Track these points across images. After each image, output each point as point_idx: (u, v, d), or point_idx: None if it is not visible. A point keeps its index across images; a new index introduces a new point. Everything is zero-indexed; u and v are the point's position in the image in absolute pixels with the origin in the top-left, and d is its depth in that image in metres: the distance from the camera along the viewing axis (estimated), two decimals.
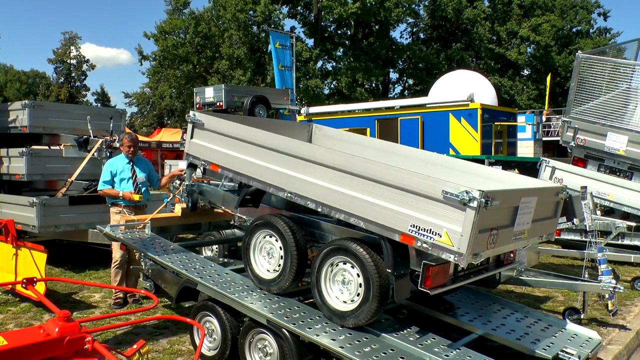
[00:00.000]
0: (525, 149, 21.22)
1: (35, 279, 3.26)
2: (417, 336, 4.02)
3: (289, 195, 4.31)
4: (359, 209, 3.83)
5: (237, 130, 4.80)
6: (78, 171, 7.94)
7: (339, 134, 6.30)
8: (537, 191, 4.08)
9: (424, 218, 3.49)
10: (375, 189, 3.74)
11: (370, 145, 5.87)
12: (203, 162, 5.13)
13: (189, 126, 5.18)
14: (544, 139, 23.57)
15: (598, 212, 8.94)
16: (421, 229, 3.50)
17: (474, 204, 3.24)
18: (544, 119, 25.35)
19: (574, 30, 42.40)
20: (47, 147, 8.86)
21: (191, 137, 5.19)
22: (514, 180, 4.80)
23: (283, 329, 3.96)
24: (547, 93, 28.94)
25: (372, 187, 3.75)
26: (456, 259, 3.36)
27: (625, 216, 8.76)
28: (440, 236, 3.42)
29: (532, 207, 3.91)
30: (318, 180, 4.08)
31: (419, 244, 3.52)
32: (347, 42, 38.42)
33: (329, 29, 37.72)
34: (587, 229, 6.15)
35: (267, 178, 4.51)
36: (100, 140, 8.08)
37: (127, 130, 10.74)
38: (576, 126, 9.79)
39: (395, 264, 3.76)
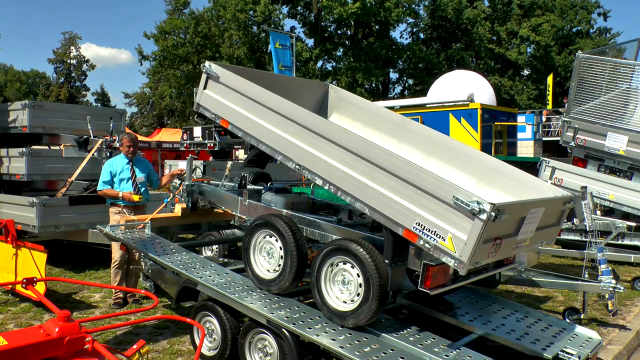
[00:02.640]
0: (525, 149, 21.21)
1: (35, 279, 3.26)
2: (417, 336, 4.01)
3: (297, 167, 4.24)
4: (366, 196, 3.78)
5: (252, 90, 4.63)
6: (78, 171, 7.94)
7: (355, 98, 5.94)
8: (546, 202, 4.01)
9: (430, 219, 3.46)
10: (386, 180, 3.67)
11: (386, 117, 5.57)
12: (213, 115, 4.98)
13: (203, 76, 5.02)
14: (544, 139, 23.56)
15: (598, 212, 8.95)
16: (426, 229, 3.48)
17: (483, 216, 3.19)
18: (544, 119, 25.36)
19: (574, 30, 42.40)
20: (47, 147, 8.86)
21: (204, 88, 5.03)
22: (524, 178, 4.62)
23: (283, 329, 3.95)
24: (550, 93, 28.90)
25: (383, 177, 3.69)
26: (456, 264, 3.34)
27: (625, 216, 8.76)
28: (444, 240, 3.39)
29: (539, 217, 3.87)
30: (329, 158, 4.01)
31: (421, 242, 3.51)
32: (347, 42, 38.40)
33: (329, 29, 37.70)
34: (587, 229, 6.16)
35: (277, 145, 4.41)
36: (100, 140, 8.09)
37: (127, 130, 10.74)
38: (576, 126, 9.80)
39: (393, 255, 3.78)
